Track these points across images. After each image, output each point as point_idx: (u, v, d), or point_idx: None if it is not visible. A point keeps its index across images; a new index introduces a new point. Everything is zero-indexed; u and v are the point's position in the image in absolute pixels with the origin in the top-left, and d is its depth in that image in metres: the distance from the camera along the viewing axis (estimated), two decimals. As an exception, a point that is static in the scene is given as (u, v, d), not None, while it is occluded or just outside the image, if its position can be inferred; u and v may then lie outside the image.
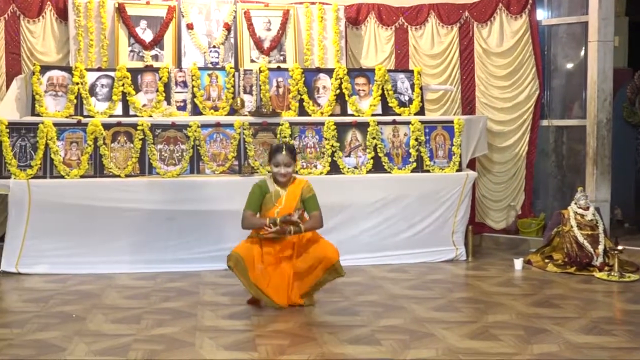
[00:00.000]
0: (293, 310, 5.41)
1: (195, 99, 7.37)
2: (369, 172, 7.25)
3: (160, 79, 7.34)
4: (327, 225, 6.95)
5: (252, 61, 7.83)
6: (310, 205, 5.53)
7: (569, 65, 8.43)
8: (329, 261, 5.38)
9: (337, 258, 5.40)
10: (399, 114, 7.62)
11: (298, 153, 7.09)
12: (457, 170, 7.39)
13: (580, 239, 6.91)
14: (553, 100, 8.43)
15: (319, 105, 7.58)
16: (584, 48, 8.12)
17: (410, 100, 7.76)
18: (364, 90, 7.69)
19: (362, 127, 7.30)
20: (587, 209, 7.07)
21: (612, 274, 6.56)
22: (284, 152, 5.48)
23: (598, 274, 6.63)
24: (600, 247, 6.87)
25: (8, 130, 6.68)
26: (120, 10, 7.67)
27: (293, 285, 5.43)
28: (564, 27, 8.33)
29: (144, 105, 7.29)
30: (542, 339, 4.67)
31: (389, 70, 7.84)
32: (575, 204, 7.13)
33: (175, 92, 7.38)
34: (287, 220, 5.33)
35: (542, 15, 8.38)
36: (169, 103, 7.33)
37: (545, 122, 8.35)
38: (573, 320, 5.12)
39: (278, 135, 7.12)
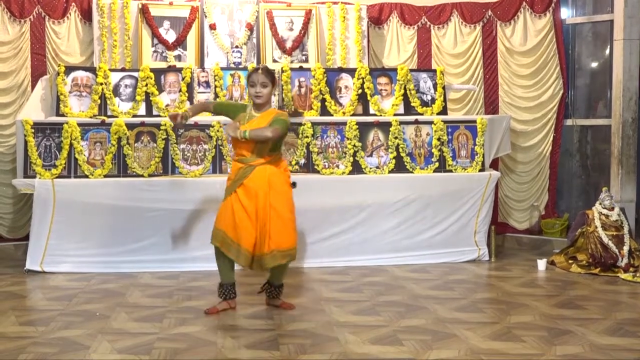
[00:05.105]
0: (315, 309, 5.41)
1: (217, 99, 7.40)
2: (391, 172, 7.23)
3: (183, 79, 7.37)
4: (348, 225, 7.06)
5: (275, 61, 7.85)
6: (274, 124, 5.21)
7: (594, 64, 8.35)
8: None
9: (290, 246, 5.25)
10: (422, 114, 7.60)
11: (320, 153, 7.10)
12: (480, 170, 7.35)
13: (605, 239, 6.84)
14: (577, 99, 8.36)
15: (341, 105, 7.57)
16: (609, 47, 8.05)
17: (433, 100, 7.73)
18: (386, 90, 7.68)
19: (384, 126, 7.29)
20: (612, 209, 7.00)
21: (638, 275, 6.49)
22: (259, 72, 5.35)
23: (623, 275, 6.56)
24: (625, 248, 6.80)
25: (33, 130, 6.75)
26: (143, 11, 7.71)
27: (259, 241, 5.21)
28: (589, 25, 8.27)
29: (167, 105, 7.33)
30: (565, 340, 4.63)
31: (412, 70, 7.82)
32: (600, 204, 7.06)
33: (198, 92, 7.41)
34: (173, 116, 5.23)
35: (567, 13, 8.31)
36: (191, 103, 7.36)
37: (569, 122, 8.28)
38: (597, 321, 5.07)
39: (300, 135, 7.13)
